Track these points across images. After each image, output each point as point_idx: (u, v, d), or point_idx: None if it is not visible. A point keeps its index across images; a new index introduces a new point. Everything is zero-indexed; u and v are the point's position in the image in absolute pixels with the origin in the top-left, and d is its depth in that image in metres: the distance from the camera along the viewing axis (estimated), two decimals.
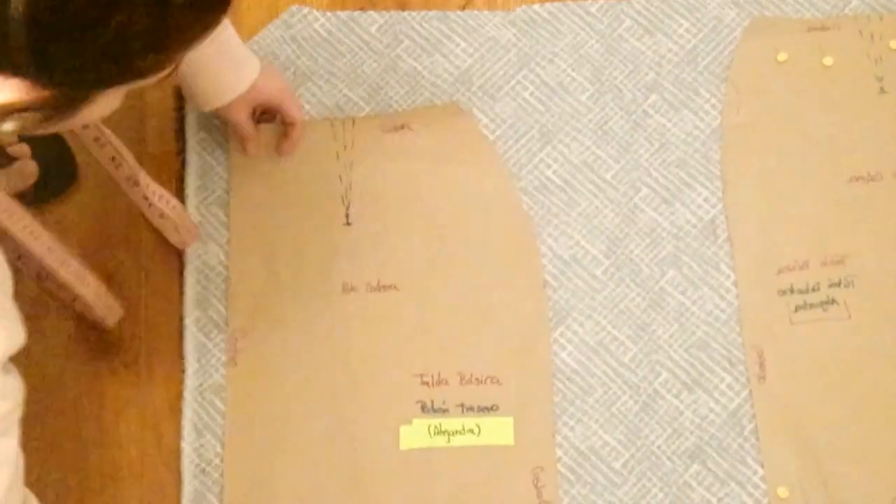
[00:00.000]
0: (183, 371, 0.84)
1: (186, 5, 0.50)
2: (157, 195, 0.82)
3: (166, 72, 0.54)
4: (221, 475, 0.81)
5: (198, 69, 0.81)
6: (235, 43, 0.82)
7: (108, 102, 0.55)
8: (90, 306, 0.80)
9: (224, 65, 0.82)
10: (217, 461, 0.82)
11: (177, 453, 0.82)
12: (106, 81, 0.52)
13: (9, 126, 0.53)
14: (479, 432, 0.81)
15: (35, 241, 0.75)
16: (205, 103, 0.85)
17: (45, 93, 0.51)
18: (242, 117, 0.86)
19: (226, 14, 0.54)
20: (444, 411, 0.82)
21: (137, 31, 0.49)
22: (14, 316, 0.59)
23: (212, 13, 0.53)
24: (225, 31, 0.80)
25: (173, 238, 0.85)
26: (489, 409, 0.82)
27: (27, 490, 0.65)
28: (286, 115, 0.87)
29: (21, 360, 0.85)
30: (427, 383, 0.83)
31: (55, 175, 0.86)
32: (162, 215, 0.83)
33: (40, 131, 0.55)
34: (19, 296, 0.75)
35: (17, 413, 0.60)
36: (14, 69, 0.50)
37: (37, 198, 0.86)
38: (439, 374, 0.83)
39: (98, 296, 0.81)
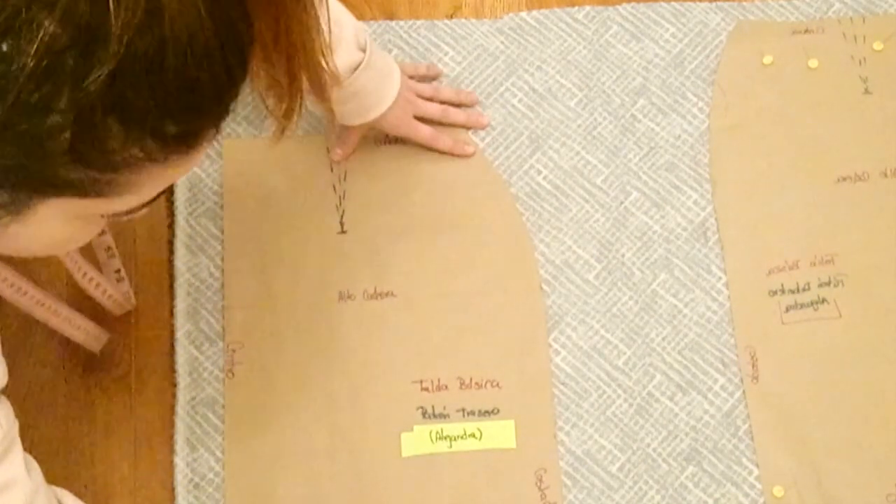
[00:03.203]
0: (175, 385, 0.84)
1: (114, 113, 0.44)
2: (93, 280, 0.81)
3: (126, 201, 0.49)
4: (216, 490, 0.80)
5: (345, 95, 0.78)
6: (379, 64, 0.80)
7: (57, 226, 0.50)
8: (77, 341, 0.81)
9: (372, 87, 0.80)
10: (211, 475, 0.81)
11: (169, 468, 0.81)
12: (31, 183, 0.47)
13: None
14: (481, 436, 0.81)
15: (22, 297, 0.75)
16: (348, 120, 0.83)
17: None
18: (357, 136, 0.86)
19: (182, 153, 0.48)
20: (445, 416, 0.82)
21: (52, 123, 0.44)
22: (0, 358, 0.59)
23: (158, 142, 0.46)
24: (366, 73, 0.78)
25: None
26: (490, 413, 0.82)
27: (56, 489, 0.64)
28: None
29: (10, 376, 0.84)
30: (427, 389, 0.82)
31: None
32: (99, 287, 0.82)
33: None
34: (5, 313, 0.74)
35: (14, 432, 0.59)
36: None
37: None
38: (439, 380, 0.83)
39: (89, 334, 0.81)
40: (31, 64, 0.42)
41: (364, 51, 0.79)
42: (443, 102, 0.88)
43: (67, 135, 0.44)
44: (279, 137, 0.57)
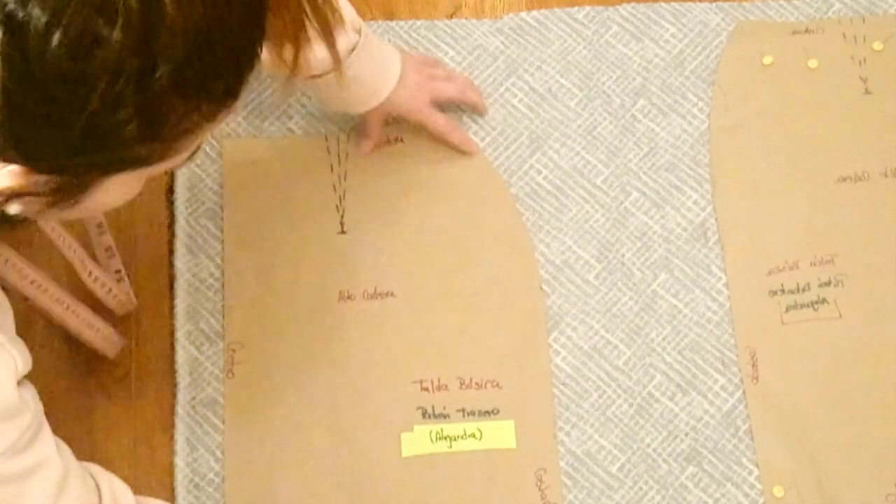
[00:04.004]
0: (175, 385, 0.84)
1: (175, 92, 0.47)
2: (95, 277, 0.82)
3: (182, 156, 0.52)
4: (216, 490, 0.81)
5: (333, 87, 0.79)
6: (376, 46, 0.82)
7: (119, 189, 0.54)
8: (93, 344, 0.81)
9: (370, 71, 0.81)
10: (211, 475, 0.81)
11: (170, 469, 0.81)
12: (104, 169, 0.51)
13: (14, 209, 0.52)
14: (481, 436, 0.81)
15: (43, 294, 0.76)
16: (354, 108, 0.85)
17: (43, 178, 0.50)
18: (375, 125, 0.86)
19: (229, 106, 0.52)
20: (445, 417, 0.82)
21: (121, 118, 0.47)
22: (22, 343, 0.60)
23: (211, 103, 0.50)
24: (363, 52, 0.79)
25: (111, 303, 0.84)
26: (490, 413, 0.82)
27: (87, 464, 0.65)
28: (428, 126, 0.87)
29: None
30: (427, 389, 0.82)
31: None
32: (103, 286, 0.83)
33: (52, 217, 0.54)
34: None
35: (40, 415, 0.60)
36: (4, 158, 0.48)
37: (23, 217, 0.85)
38: (439, 380, 0.83)
39: (106, 339, 0.82)
40: (105, 79, 0.46)
41: (359, 33, 0.80)
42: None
43: (136, 122, 0.48)
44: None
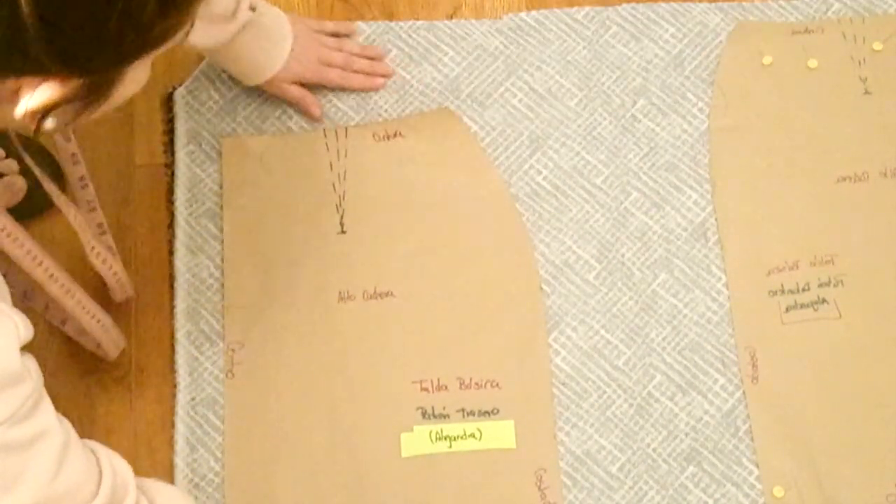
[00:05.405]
0: (175, 385, 0.84)
1: None
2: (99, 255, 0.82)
3: (187, 28, 0.56)
4: (216, 490, 0.81)
5: (235, 54, 0.84)
6: (267, 25, 0.84)
7: (138, 75, 0.57)
8: (91, 336, 0.81)
9: (257, 47, 0.85)
10: (211, 476, 0.81)
11: (170, 469, 0.81)
12: (130, 56, 0.54)
13: (50, 123, 0.55)
14: (481, 437, 0.81)
15: (38, 268, 0.75)
16: (246, 80, 0.88)
17: (78, 83, 0.53)
18: (293, 92, 0.88)
19: None
20: (445, 417, 0.82)
21: (145, 1, 0.51)
22: (21, 313, 0.61)
23: None
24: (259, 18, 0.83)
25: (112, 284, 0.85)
26: (490, 413, 0.82)
27: (87, 441, 0.65)
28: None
29: None
30: (427, 389, 0.82)
31: (43, 191, 0.86)
32: (100, 256, 0.83)
33: (82, 119, 0.57)
34: None
35: (41, 385, 0.61)
36: (43, 72, 0.52)
37: (25, 213, 0.85)
38: (439, 380, 0.83)
39: (104, 328, 0.81)
40: None
41: (253, 10, 0.82)
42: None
43: (156, 4, 0.52)
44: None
